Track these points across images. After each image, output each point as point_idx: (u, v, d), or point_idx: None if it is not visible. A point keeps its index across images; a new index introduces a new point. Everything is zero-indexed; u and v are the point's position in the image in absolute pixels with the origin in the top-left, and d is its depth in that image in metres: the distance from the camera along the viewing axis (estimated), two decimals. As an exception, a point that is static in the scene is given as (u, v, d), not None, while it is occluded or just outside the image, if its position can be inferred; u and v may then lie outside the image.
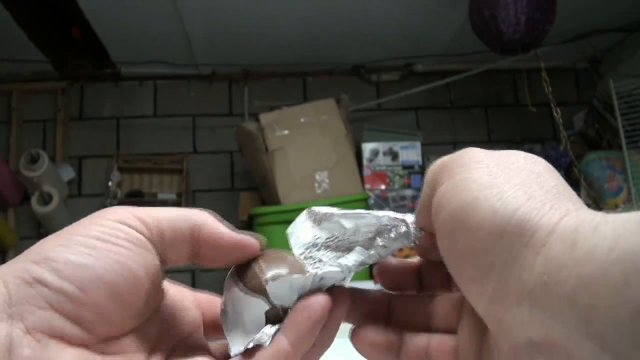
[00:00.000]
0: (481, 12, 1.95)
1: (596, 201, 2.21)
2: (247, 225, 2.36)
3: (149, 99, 2.83)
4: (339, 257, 0.29)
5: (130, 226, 0.26)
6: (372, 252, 0.29)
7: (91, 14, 2.25)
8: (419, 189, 2.52)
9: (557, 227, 0.20)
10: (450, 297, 0.30)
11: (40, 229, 2.64)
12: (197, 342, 0.30)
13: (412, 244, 0.30)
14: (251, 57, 2.68)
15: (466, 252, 0.23)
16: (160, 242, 0.27)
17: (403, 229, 0.30)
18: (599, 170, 2.25)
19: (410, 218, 0.31)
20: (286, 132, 2.21)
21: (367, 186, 2.46)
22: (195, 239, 0.28)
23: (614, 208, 2.19)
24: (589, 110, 2.60)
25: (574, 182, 2.24)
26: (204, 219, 0.28)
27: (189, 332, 0.30)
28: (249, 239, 0.29)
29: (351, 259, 0.29)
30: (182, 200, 2.67)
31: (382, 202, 2.49)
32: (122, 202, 2.66)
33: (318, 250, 0.30)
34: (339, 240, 0.30)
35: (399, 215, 0.30)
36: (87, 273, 0.23)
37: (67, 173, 2.66)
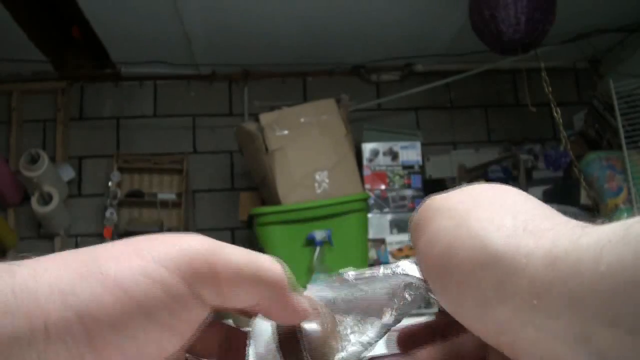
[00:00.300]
0: (481, 12, 1.95)
1: (596, 201, 2.21)
2: (247, 225, 2.36)
3: (149, 99, 2.83)
4: (361, 336, 0.29)
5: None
6: (389, 321, 0.29)
7: (91, 14, 2.25)
8: (418, 189, 2.52)
9: (534, 248, 0.20)
10: (472, 338, 0.30)
11: (40, 229, 2.64)
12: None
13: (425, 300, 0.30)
14: (251, 57, 2.68)
15: (457, 295, 0.23)
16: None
17: (414, 291, 0.30)
18: (599, 170, 2.25)
19: (412, 270, 0.31)
20: (286, 132, 2.21)
21: (367, 186, 2.46)
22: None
23: (614, 208, 2.19)
24: (589, 110, 2.60)
25: (574, 182, 2.24)
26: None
27: None
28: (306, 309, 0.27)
29: (371, 335, 0.29)
30: (182, 200, 2.67)
31: (382, 202, 2.49)
32: (122, 203, 2.66)
33: (337, 313, 0.31)
34: (357, 302, 0.30)
35: (406, 271, 0.30)
36: None
37: (67, 173, 2.66)
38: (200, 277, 0.21)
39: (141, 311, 0.20)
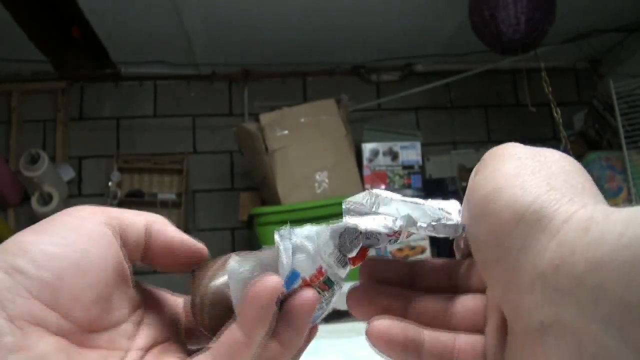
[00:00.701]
0: (481, 12, 1.95)
1: (596, 201, 2.21)
2: (247, 225, 2.36)
3: (149, 99, 2.83)
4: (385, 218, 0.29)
5: (96, 221, 0.28)
6: (423, 224, 0.29)
7: (91, 14, 2.25)
8: (419, 189, 2.52)
9: (573, 215, 0.21)
10: (474, 297, 0.30)
11: (40, 229, 2.64)
12: (176, 345, 0.30)
13: (459, 236, 0.30)
14: (251, 57, 2.68)
15: (487, 237, 0.25)
16: (122, 237, 0.29)
17: (453, 220, 0.30)
18: (599, 170, 2.25)
19: (457, 207, 0.31)
20: (286, 132, 2.21)
21: (367, 186, 2.46)
22: (147, 238, 0.30)
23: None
24: (589, 110, 2.60)
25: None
26: (154, 219, 0.31)
27: (170, 335, 0.30)
28: (197, 244, 0.32)
29: (398, 222, 0.29)
30: (182, 200, 2.67)
31: (382, 202, 2.49)
32: (122, 202, 2.66)
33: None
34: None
35: (451, 206, 0.31)
36: (62, 262, 0.25)
37: (67, 173, 2.66)
38: (111, 221, 0.29)
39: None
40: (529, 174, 0.24)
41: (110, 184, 2.64)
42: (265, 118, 2.22)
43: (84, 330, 0.26)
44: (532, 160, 0.26)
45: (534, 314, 0.21)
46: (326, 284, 0.28)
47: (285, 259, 0.27)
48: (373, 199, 0.31)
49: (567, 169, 0.25)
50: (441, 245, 2.56)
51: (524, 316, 0.22)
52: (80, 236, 0.27)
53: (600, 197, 0.24)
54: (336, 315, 1.80)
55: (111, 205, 2.59)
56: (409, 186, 2.51)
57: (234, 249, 2.74)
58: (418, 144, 2.57)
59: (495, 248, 0.24)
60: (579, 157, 2.25)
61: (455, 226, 0.30)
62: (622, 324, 0.18)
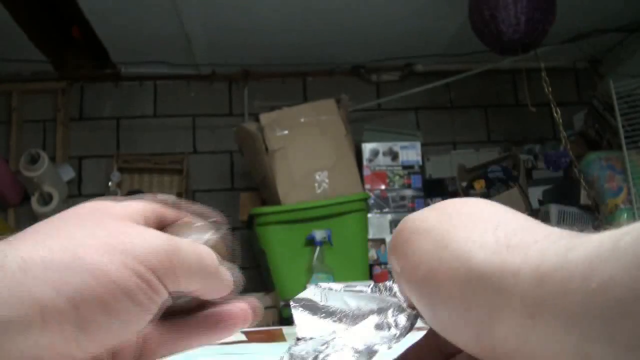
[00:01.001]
0: (481, 13, 1.95)
1: (596, 201, 2.21)
2: (247, 225, 2.36)
3: (149, 99, 2.83)
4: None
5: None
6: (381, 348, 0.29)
7: (91, 14, 2.25)
8: (418, 189, 2.52)
9: (521, 265, 0.20)
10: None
11: (40, 229, 2.64)
12: None
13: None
14: (251, 57, 2.68)
15: (448, 318, 0.23)
16: None
17: (402, 317, 0.29)
18: (599, 170, 2.25)
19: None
20: (286, 132, 2.21)
21: (367, 186, 2.46)
22: None
23: (614, 208, 2.19)
24: (589, 110, 2.60)
25: (574, 182, 2.24)
26: None
27: None
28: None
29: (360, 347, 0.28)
30: (182, 200, 2.67)
31: (382, 202, 2.49)
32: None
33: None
34: (344, 315, 0.30)
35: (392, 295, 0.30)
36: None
37: (67, 173, 2.66)
38: (164, 271, 0.26)
39: (126, 296, 0.24)
40: (454, 240, 0.23)
41: (110, 184, 2.64)
42: (265, 118, 2.22)
43: None
44: (442, 223, 0.25)
45: None
46: None
47: None
48: (323, 293, 0.31)
49: (478, 213, 0.24)
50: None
51: None
52: None
53: (529, 221, 0.23)
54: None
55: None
56: (408, 186, 2.52)
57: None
58: (418, 144, 2.57)
59: (459, 322, 0.23)
60: (579, 157, 2.25)
61: (412, 317, 0.29)
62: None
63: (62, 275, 0.23)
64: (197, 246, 0.28)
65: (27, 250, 0.23)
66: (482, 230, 0.23)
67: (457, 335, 0.23)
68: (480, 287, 0.21)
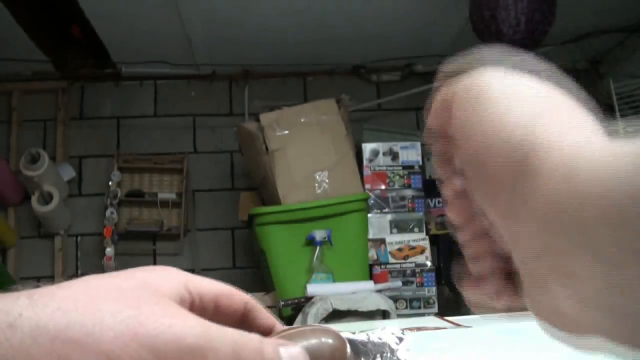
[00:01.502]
0: (481, 13, 1.95)
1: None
2: (247, 225, 2.36)
3: (149, 98, 2.83)
4: None
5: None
6: None
7: (92, 14, 2.25)
8: (418, 189, 2.52)
9: (556, 153, 0.22)
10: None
11: (41, 229, 2.64)
12: None
13: None
14: (251, 57, 2.68)
15: (483, 175, 0.26)
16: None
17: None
18: (599, 170, 2.24)
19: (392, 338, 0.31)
20: (286, 132, 2.21)
21: (367, 186, 2.46)
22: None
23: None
24: (589, 111, 2.60)
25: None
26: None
27: None
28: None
29: None
30: (182, 200, 2.67)
31: (382, 202, 2.49)
32: (122, 202, 2.66)
33: None
34: None
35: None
36: None
37: (68, 173, 2.66)
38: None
39: None
40: (513, 121, 0.25)
41: (110, 183, 2.64)
42: (265, 118, 2.23)
43: None
44: (508, 98, 0.26)
45: (530, 243, 0.23)
46: None
47: None
48: None
49: (544, 98, 0.26)
50: (440, 246, 2.57)
51: (520, 244, 0.24)
52: None
53: (577, 115, 0.25)
54: (336, 315, 1.79)
55: (111, 204, 2.60)
56: (409, 186, 2.52)
57: (234, 248, 2.75)
58: (418, 144, 2.57)
59: (490, 182, 0.25)
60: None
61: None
62: (607, 254, 0.19)
63: (69, 352, 0.22)
64: (240, 345, 0.25)
65: (45, 316, 0.22)
66: (550, 120, 0.24)
67: (481, 192, 0.26)
68: (515, 161, 0.24)
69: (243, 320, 0.30)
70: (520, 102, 0.26)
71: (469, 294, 0.30)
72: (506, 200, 0.24)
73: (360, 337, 0.31)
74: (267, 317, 0.31)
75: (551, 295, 0.23)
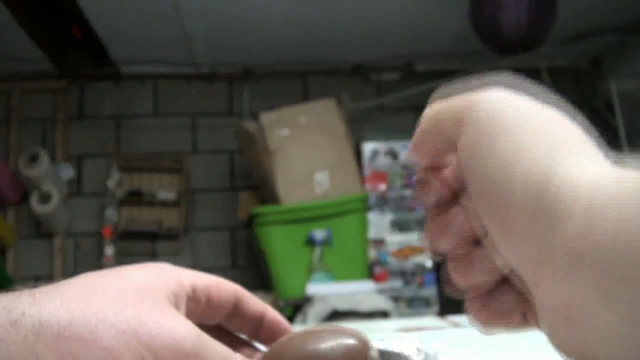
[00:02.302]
0: (482, 12, 1.95)
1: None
2: (247, 225, 2.36)
3: (149, 98, 2.83)
4: None
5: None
6: None
7: (91, 13, 2.25)
8: (419, 189, 2.52)
9: (578, 194, 0.20)
10: None
11: (40, 228, 2.64)
12: None
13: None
14: (251, 56, 2.68)
15: (507, 217, 0.23)
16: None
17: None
18: (599, 170, 2.25)
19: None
20: (286, 132, 2.21)
21: (367, 186, 2.46)
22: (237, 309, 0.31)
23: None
24: (589, 111, 2.60)
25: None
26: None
27: None
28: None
29: None
30: (182, 199, 2.67)
31: (382, 202, 2.49)
32: (122, 202, 2.66)
33: None
34: None
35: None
36: None
37: (67, 172, 2.66)
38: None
39: None
40: (528, 158, 0.23)
41: (109, 183, 2.64)
42: (265, 118, 2.22)
43: None
44: (522, 134, 0.24)
45: (551, 296, 0.21)
46: None
47: None
48: None
49: (550, 129, 0.24)
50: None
51: (542, 296, 0.21)
52: None
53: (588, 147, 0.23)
54: (336, 315, 1.79)
55: (110, 204, 2.60)
56: (409, 186, 2.51)
57: (233, 248, 2.74)
58: (418, 144, 2.57)
59: (517, 228, 0.22)
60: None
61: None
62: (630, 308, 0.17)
63: (73, 348, 0.22)
64: (224, 350, 0.26)
65: (47, 313, 0.23)
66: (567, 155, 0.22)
67: (505, 244, 0.23)
68: (542, 208, 0.21)
69: (235, 309, 0.30)
70: (537, 130, 0.24)
71: (472, 315, 0.27)
72: (535, 249, 0.21)
73: (382, 345, 0.30)
74: (257, 303, 0.31)
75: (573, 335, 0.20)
